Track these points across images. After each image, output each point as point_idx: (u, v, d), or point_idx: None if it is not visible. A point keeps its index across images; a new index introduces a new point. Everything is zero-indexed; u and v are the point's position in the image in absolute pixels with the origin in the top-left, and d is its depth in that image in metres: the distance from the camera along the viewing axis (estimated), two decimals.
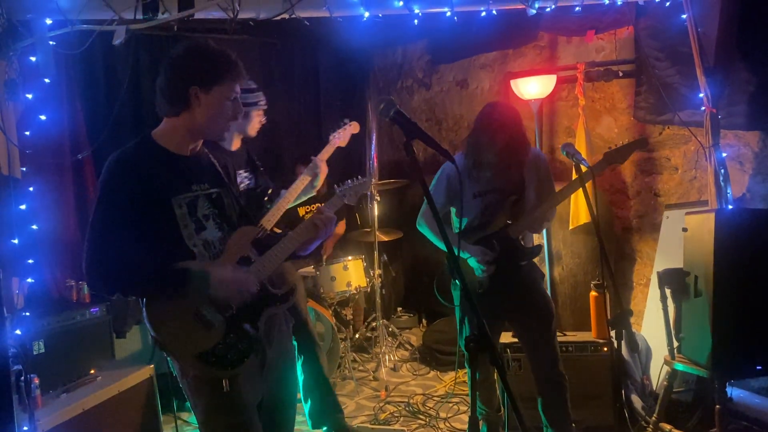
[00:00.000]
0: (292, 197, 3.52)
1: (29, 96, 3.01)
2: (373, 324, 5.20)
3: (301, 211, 5.14)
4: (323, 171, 3.99)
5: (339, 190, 2.56)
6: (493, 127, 2.97)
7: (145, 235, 2.01)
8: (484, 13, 3.31)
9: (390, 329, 5.39)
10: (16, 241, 2.90)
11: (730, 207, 3.33)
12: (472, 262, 3.05)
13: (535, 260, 3.27)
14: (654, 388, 3.72)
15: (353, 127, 4.12)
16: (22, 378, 2.71)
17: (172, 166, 2.08)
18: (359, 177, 2.57)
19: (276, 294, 2.20)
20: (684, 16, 3.39)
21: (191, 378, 2.07)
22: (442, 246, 3.02)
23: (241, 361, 2.06)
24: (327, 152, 4.06)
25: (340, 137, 4.04)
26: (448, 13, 3.28)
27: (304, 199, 3.75)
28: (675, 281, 3.18)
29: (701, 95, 3.37)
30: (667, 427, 3.29)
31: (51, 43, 2.92)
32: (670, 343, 3.26)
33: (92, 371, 3.32)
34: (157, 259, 2.01)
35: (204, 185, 2.13)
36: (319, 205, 5.29)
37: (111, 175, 2.00)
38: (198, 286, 1.98)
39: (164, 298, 2.01)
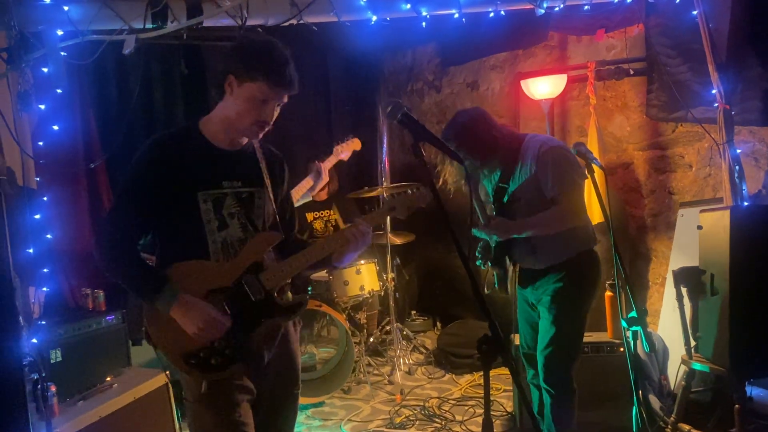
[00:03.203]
0: (294, 199, 3.56)
1: (42, 107, 3.04)
2: (387, 328, 5.19)
3: (309, 217, 5.15)
4: (324, 179, 4.05)
5: (388, 199, 2.28)
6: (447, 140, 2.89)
7: (166, 223, 2.03)
8: (492, 14, 3.30)
9: (404, 333, 5.38)
10: (31, 251, 2.93)
11: (746, 204, 3.29)
12: None
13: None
14: (672, 388, 3.69)
15: (354, 144, 4.16)
16: (39, 386, 2.73)
17: (208, 159, 2.05)
18: (416, 188, 2.25)
19: (280, 305, 2.13)
20: (695, 13, 3.36)
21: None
22: None
23: (223, 368, 2.01)
24: (330, 162, 4.10)
25: (343, 151, 4.08)
26: (456, 15, 3.28)
27: (302, 202, 3.80)
28: (691, 280, 3.14)
29: (714, 92, 3.34)
30: (686, 427, 3.26)
31: (62, 53, 2.95)
32: (687, 343, 3.23)
33: (109, 379, 3.34)
34: (157, 259, 2.06)
35: (236, 182, 2.09)
36: (329, 211, 5.30)
37: (144, 157, 2.01)
38: (165, 300, 1.96)
39: (132, 293, 2.05)
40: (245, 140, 2.14)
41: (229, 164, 2.10)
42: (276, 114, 2.08)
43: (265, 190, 2.17)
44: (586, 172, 2.73)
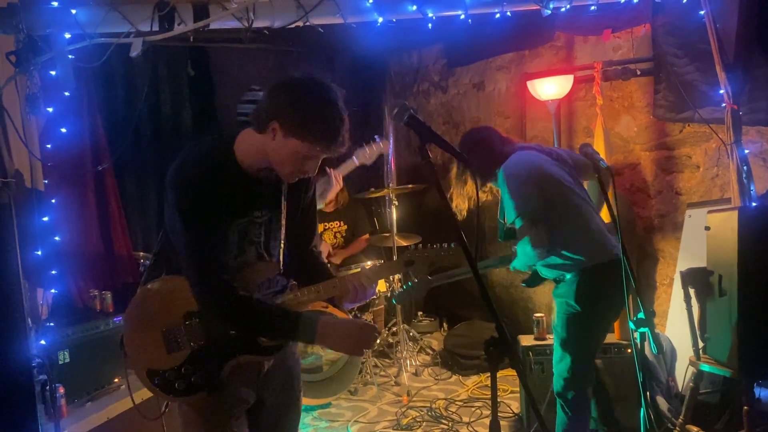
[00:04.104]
0: None
1: (50, 109, 3.05)
2: (394, 329, 5.19)
3: (319, 228, 5.13)
4: (335, 187, 3.82)
5: (409, 252, 2.12)
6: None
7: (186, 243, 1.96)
8: (498, 15, 3.30)
9: (411, 334, 5.38)
10: (39, 253, 2.94)
11: (754, 204, 3.27)
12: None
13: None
14: (680, 390, 3.67)
15: (383, 147, 3.89)
16: (48, 387, 2.74)
17: (240, 189, 1.96)
18: (445, 246, 2.10)
19: (258, 344, 2.01)
20: (702, 12, 3.34)
21: None
22: None
23: (186, 394, 1.96)
24: (347, 168, 3.84)
25: (366, 155, 3.84)
26: (462, 16, 3.27)
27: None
28: (699, 281, 3.13)
29: (721, 92, 3.33)
30: (694, 429, 3.24)
31: (70, 56, 2.96)
32: (695, 344, 3.22)
33: (117, 380, 3.35)
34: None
35: (261, 211, 2.03)
36: (339, 222, 5.17)
37: (193, 191, 1.88)
38: (307, 334, 1.90)
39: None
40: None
41: (257, 192, 2.02)
42: (318, 165, 1.97)
43: (278, 213, 2.10)
44: (592, 171, 2.70)
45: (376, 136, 3.89)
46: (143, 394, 3.27)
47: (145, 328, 1.97)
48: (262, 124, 1.87)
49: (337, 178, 3.80)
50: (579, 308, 2.90)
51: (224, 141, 1.98)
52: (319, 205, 3.60)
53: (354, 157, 3.82)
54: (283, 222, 2.12)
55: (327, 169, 3.74)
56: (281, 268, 2.13)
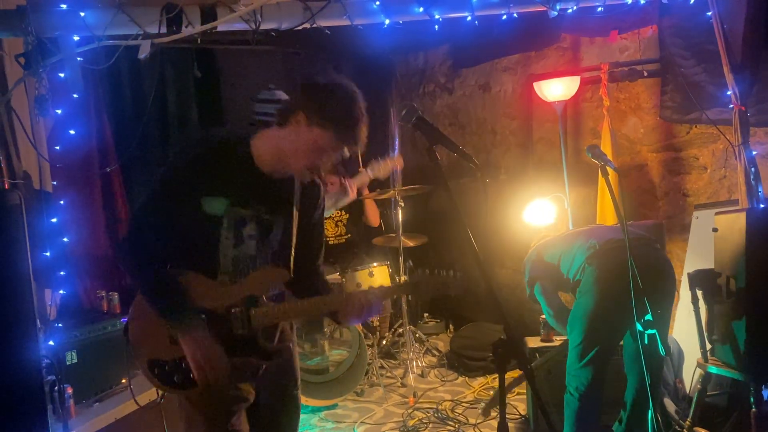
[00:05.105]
0: None
1: (59, 111, 3.06)
2: (400, 330, 5.19)
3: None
4: (350, 197, 3.89)
5: (416, 276, 2.11)
6: None
7: (183, 228, 2.01)
8: (504, 16, 3.30)
9: (417, 335, 5.38)
10: (48, 254, 2.96)
11: (762, 206, 3.26)
12: None
13: None
14: (687, 392, 3.66)
15: (397, 162, 3.94)
16: (56, 388, 2.76)
17: (246, 178, 2.02)
18: (453, 273, 2.04)
19: (259, 347, 2.05)
20: (709, 14, 3.34)
21: None
22: None
23: (183, 388, 1.99)
24: (361, 180, 3.91)
25: (380, 169, 3.90)
26: (469, 18, 3.28)
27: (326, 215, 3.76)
28: (706, 282, 3.12)
29: (729, 93, 3.32)
30: (702, 431, 3.23)
31: (78, 59, 2.98)
32: (702, 346, 3.20)
33: (124, 380, 3.36)
34: (178, 266, 2.02)
35: (262, 207, 2.06)
36: (340, 212, 5.18)
37: (186, 165, 2.00)
38: (172, 324, 1.95)
39: (147, 302, 1.99)
40: (288, 173, 2.07)
41: (263, 188, 2.05)
42: (330, 164, 2.04)
43: (286, 218, 2.12)
44: (601, 173, 2.73)
45: (392, 153, 3.99)
46: (149, 395, 3.29)
47: (150, 320, 1.99)
48: (286, 117, 1.96)
49: (352, 188, 3.86)
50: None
51: (240, 133, 2.08)
52: (331, 212, 3.69)
53: (368, 169, 3.89)
54: (294, 230, 2.13)
55: (342, 180, 3.81)
56: (291, 275, 2.14)
